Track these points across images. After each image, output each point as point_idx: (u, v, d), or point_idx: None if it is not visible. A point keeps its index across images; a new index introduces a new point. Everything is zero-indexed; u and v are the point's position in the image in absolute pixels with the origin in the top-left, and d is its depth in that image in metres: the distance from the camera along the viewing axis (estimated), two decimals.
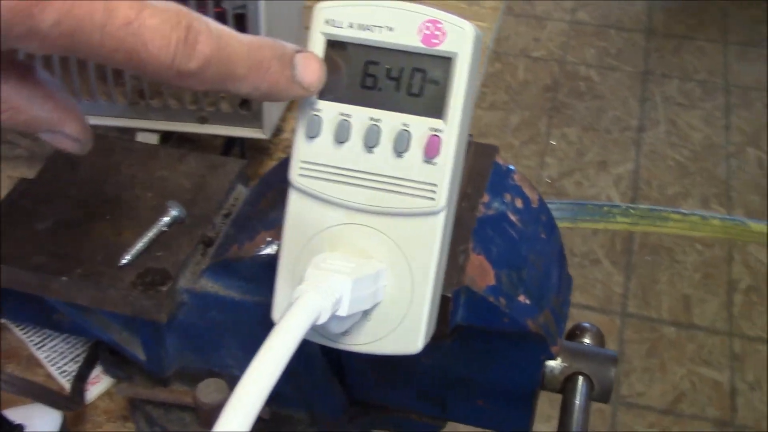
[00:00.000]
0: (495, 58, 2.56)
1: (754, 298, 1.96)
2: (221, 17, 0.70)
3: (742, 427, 1.75)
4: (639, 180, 2.23)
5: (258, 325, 0.53)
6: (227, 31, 0.36)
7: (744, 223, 0.59)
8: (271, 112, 0.75)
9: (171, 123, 0.75)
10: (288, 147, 0.85)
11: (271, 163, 0.83)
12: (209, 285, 0.54)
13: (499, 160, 0.54)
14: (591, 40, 2.68)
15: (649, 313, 1.94)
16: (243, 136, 0.75)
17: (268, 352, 0.34)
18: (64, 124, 0.39)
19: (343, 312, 0.39)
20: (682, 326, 1.92)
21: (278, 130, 0.84)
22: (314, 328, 0.38)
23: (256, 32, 0.71)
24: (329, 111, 0.42)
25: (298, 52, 0.39)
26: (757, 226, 0.59)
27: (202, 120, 0.75)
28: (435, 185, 0.41)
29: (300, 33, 0.84)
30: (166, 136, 0.79)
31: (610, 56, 2.62)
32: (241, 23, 0.71)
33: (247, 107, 0.74)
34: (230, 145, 0.84)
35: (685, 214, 0.57)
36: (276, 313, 0.44)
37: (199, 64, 0.35)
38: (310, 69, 0.40)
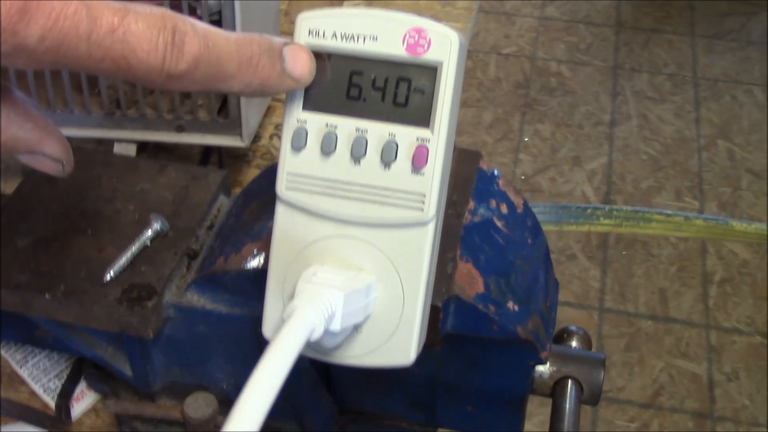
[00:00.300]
0: (466, 56, 2.56)
1: (729, 289, 1.98)
2: None
3: (721, 419, 1.77)
4: (613, 175, 2.24)
5: (247, 337, 0.53)
6: (214, 30, 0.36)
7: (727, 223, 0.59)
8: (249, 120, 0.74)
9: (148, 132, 0.74)
10: (266, 153, 0.84)
11: (249, 170, 0.83)
12: (195, 299, 0.53)
13: (483, 166, 0.53)
14: (561, 36, 2.69)
15: (626, 308, 1.95)
16: (221, 145, 0.75)
17: (264, 372, 0.34)
18: (44, 145, 0.38)
19: (335, 327, 0.39)
20: (659, 320, 1.93)
21: (256, 137, 0.84)
22: (306, 343, 0.38)
23: None
24: (315, 122, 0.41)
25: (285, 44, 0.39)
26: (740, 225, 0.60)
27: (180, 129, 0.74)
28: (424, 195, 0.40)
29: (276, 35, 0.83)
30: (143, 145, 0.78)
31: (580, 51, 2.63)
32: None
33: (225, 115, 0.73)
34: (208, 152, 0.83)
35: (668, 215, 0.58)
36: (267, 329, 0.43)
37: (189, 64, 0.34)
38: (300, 61, 0.39)
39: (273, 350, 0.35)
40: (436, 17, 1.02)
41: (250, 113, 0.74)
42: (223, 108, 0.73)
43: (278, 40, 0.39)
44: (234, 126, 0.73)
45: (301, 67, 0.39)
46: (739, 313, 1.94)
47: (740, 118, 2.42)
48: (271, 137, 0.86)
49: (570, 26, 2.71)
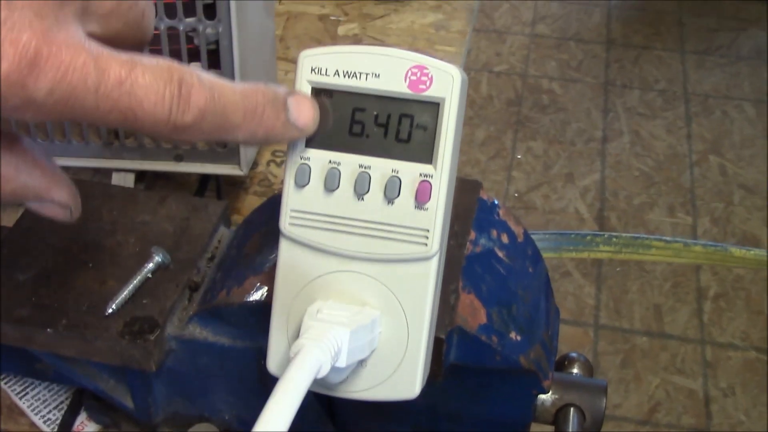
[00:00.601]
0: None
1: (723, 304, 1.99)
2: (194, 54, 0.70)
3: None
4: (606, 191, 2.25)
5: (249, 369, 0.53)
6: (219, 81, 0.36)
7: (726, 249, 0.60)
8: (247, 149, 0.74)
9: (147, 162, 0.75)
10: (263, 180, 0.85)
11: (247, 197, 0.83)
12: (198, 331, 0.53)
13: (483, 195, 0.54)
14: (552, 53, 2.71)
15: (621, 324, 1.96)
16: (220, 173, 0.75)
17: (272, 413, 0.34)
18: (53, 192, 0.38)
19: (341, 363, 0.39)
20: (654, 335, 1.94)
21: (254, 164, 0.84)
22: None
23: (229, 67, 0.70)
24: (318, 159, 0.42)
25: (289, 95, 0.39)
26: (739, 251, 0.60)
27: (178, 158, 0.74)
28: (427, 230, 0.41)
29: (272, 65, 0.84)
30: (141, 173, 0.78)
31: (571, 68, 2.65)
32: (214, 59, 0.70)
33: (223, 144, 0.74)
34: (206, 180, 0.83)
35: (667, 242, 0.58)
36: (271, 364, 0.44)
37: (195, 116, 0.35)
38: (304, 111, 0.40)
39: (281, 390, 0.35)
40: (431, 41, 1.02)
41: None
42: None
43: (282, 90, 0.39)
44: (232, 155, 0.73)
45: (305, 116, 0.40)
46: (734, 328, 1.95)
47: (731, 133, 2.43)
48: (268, 164, 0.86)
49: (561, 43, 2.73)
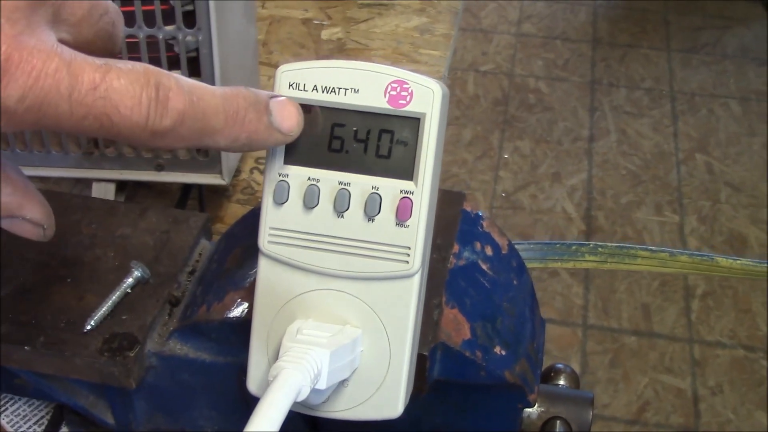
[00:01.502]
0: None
1: (711, 303, 1.99)
2: (174, 62, 0.69)
3: None
4: (593, 190, 2.25)
5: (231, 385, 0.52)
6: (198, 84, 0.35)
7: (712, 259, 0.59)
8: (229, 157, 0.73)
9: (127, 172, 0.74)
10: (246, 188, 0.84)
11: (230, 205, 0.82)
12: (178, 347, 0.52)
13: (467, 207, 0.53)
14: (538, 52, 2.70)
15: (609, 324, 1.96)
16: (201, 183, 0.74)
17: None
18: (24, 209, 0.37)
19: (322, 385, 0.38)
20: (642, 335, 1.94)
21: (237, 171, 0.83)
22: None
23: (210, 74, 0.69)
24: (297, 176, 0.41)
25: (272, 98, 0.38)
26: (725, 261, 0.60)
27: (159, 167, 0.73)
28: (408, 248, 0.40)
29: (255, 71, 0.83)
30: (122, 183, 0.77)
31: (557, 67, 2.65)
32: (194, 66, 0.70)
33: (204, 153, 0.73)
34: (188, 188, 0.82)
35: (653, 251, 0.57)
36: (251, 384, 0.43)
37: (174, 120, 0.34)
38: (287, 114, 0.39)
39: (259, 414, 0.35)
40: (415, 44, 1.02)
41: None
42: None
43: (264, 93, 0.38)
44: (214, 164, 0.72)
45: (289, 120, 0.39)
46: (721, 327, 1.95)
47: (717, 131, 2.43)
48: (251, 171, 0.85)
49: (547, 42, 2.73)
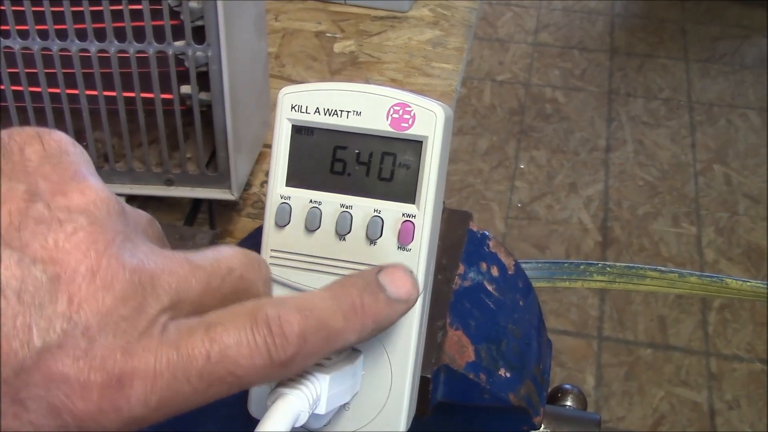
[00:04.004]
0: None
1: (728, 316, 1.98)
2: (184, 77, 0.69)
3: None
4: (609, 201, 2.24)
5: (238, 405, 0.52)
6: (304, 296, 0.33)
7: (722, 280, 0.58)
8: (239, 172, 0.74)
9: (137, 186, 0.74)
10: (257, 202, 0.84)
11: (240, 220, 0.82)
12: None
13: (473, 227, 0.53)
14: (555, 62, 2.70)
15: (625, 336, 1.94)
16: (211, 198, 0.74)
17: None
18: None
19: (321, 410, 0.38)
20: (658, 347, 1.92)
21: (247, 185, 0.83)
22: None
23: (219, 89, 0.69)
24: (298, 199, 0.41)
25: (379, 272, 0.37)
26: (735, 282, 0.59)
27: (169, 182, 0.74)
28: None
29: (265, 86, 0.83)
30: (131, 197, 0.77)
31: (574, 77, 2.64)
32: (204, 81, 0.70)
33: (213, 168, 0.73)
34: (198, 202, 0.83)
35: (662, 272, 0.57)
36: (252, 407, 0.43)
37: (297, 345, 0.31)
38: (399, 282, 0.37)
39: None
40: (428, 58, 1.01)
41: (240, 165, 0.74)
42: (212, 161, 0.73)
43: (370, 272, 0.36)
44: (223, 179, 0.72)
45: (404, 286, 0.37)
46: (739, 340, 1.93)
47: (736, 142, 2.42)
48: (261, 185, 0.85)
49: (564, 52, 2.72)
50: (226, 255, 0.33)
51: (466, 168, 2.32)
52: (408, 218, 0.40)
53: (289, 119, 0.40)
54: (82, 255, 0.28)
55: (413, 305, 0.38)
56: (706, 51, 2.73)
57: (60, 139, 0.31)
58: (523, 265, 0.56)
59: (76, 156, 0.31)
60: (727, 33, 2.80)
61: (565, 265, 0.59)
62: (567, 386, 0.57)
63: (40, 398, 0.27)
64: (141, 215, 0.34)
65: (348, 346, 0.35)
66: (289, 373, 0.32)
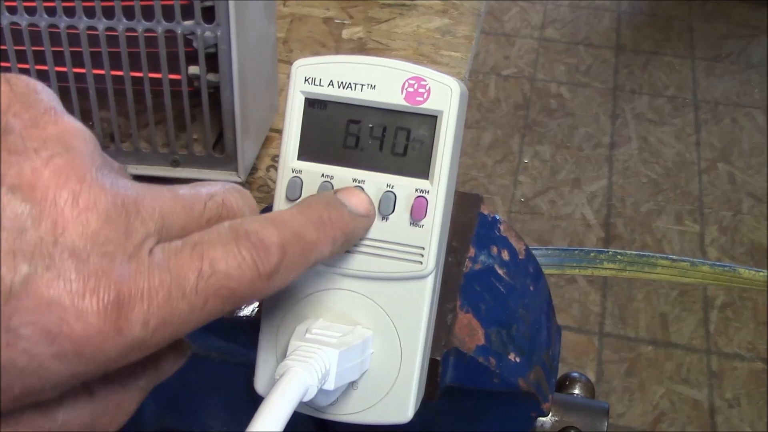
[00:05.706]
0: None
1: (730, 314, 1.97)
2: (192, 57, 0.69)
3: None
4: (613, 197, 2.23)
5: (240, 385, 0.52)
6: (275, 213, 0.34)
7: (734, 270, 0.58)
8: (246, 154, 0.73)
9: (143, 167, 0.73)
10: (263, 186, 0.83)
11: None
12: None
13: (484, 210, 0.52)
14: (560, 57, 2.69)
15: (626, 332, 1.94)
16: (217, 180, 0.73)
17: None
18: None
19: (329, 386, 0.37)
20: (659, 344, 1.92)
21: (253, 169, 0.82)
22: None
23: (228, 71, 0.69)
24: (310, 172, 0.40)
25: (336, 192, 0.38)
26: (747, 272, 0.58)
27: (175, 163, 0.73)
28: (422, 248, 0.39)
29: (273, 69, 0.82)
30: (137, 177, 0.77)
31: (579, 73, 2.63)
32: (212, 62, 0.69)
33: (220, 149, 0.72)
34: None
35: (674, 260, 0.56)
36: (259, 384, 0.42)
37: (278, 254, 0.32)
38: (356, 200, 0.38)
39: (263, 412, 0.34)
40: (437, 46, 1.01)
41: (246, 148, 0.73)
42: (219, 142, 0.72)
43: (328, 192, 0.38)
44: (230, 161, 0.72)
45: (362, 204, 0.38)
46: (740, 339, 1.93)
47: (741, 141, 2.41)
48: (268, 169, 0.84)
49: (570, 48, 2.71)
50: (206, 184, 0.34)
51: (470, 162, 2.32)
52: (421, 194, 0.39)
53: (302, 92, 0.40)
54: (63, 180, 0.28)
55: (372, 222, 0.39)
56: (713, 49, 2.72)
57: (27, 81, 0.30)
58: (533, 252, 0.55)
59: (46, 94, 0.31)
60: (733, 32, 2.79)
61: (575, 252, 0.58)
62: (575, 374, 0.56)
63: (32, 324, 0.26)
64: (114, 161, 0.34)
65: (322, 260, 0.36)
66: (274, 286, 0.32)
